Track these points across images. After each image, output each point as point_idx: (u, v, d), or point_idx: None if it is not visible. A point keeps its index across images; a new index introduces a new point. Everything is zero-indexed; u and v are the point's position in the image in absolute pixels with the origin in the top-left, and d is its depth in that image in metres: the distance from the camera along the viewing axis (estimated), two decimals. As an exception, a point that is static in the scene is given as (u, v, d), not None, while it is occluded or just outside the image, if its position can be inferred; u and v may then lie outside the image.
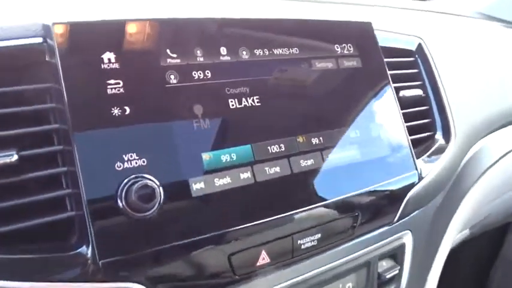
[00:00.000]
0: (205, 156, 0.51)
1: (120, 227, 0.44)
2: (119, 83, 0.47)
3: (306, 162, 0.57)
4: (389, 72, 0.70)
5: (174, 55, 0.52)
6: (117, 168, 0.45)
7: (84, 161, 0.44)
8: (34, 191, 0.44)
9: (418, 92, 0.77)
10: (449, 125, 0.79)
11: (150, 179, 0.46)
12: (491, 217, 1.19)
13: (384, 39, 0.74)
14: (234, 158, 0.52)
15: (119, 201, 0.44)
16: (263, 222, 0.53)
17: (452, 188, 0.83)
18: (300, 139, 0.58)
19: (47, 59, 0.46)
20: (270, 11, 0.71)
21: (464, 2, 1.19)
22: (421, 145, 0.75)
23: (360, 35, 0.69)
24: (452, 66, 0.86)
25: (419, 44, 0.81)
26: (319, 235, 0.58)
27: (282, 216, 0.54)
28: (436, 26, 0.96)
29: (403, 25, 0.83)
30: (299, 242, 0.57)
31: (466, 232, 1.17)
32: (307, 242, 0.57)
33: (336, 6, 0.83)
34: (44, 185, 0.45)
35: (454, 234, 0.90)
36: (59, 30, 0.46)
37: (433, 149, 0.76)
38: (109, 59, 0.47)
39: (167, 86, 0.51)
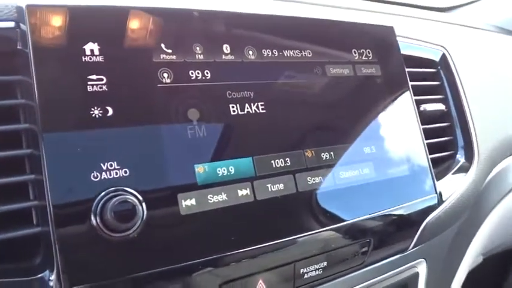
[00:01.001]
0: (199, 168, 0.44)
1: (93, 248, 0.37)
2: (101, 79, 0.41)
3: (314, 180, 0.51)
4: (410, 83, 0.63)
5: (169, 50, 0.45)
6: (93, 179, 0.38)
7: (53, 168, 0.37)
8: (-5, 201, 0.38)
9: (440, 106, 0.70)
10: (472, 143, 0.72)
11: (131, 193, 0.39)
12: (508, 242, 1.11)
13: (405, 47, 0.68)
14: (232, 171, 0.46)
15: (92, 217, 0.38)
16: (262, 247, 0.46)
17: (471, 212, 0.76)
18: (308, 153, 0.51)
19: (18, 47, 0.40)
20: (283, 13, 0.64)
21: (480, 14, 1.13)
22: (441, 165, 0.69)
23: (380, 39, 0.62)
24: (475, 80, 0.79)
25: (443, 55, 0.75)
26: (325, 263, 0.51)
27: (284, 241, 0.47)
28: (459, 37, 0.89)
29: (425, 34, 0.76)
30: (302, 270, 0.50)
31: (480, 258, 1.10)
32: (310, 270, 0.50)
33: (355, 13, 0.76)
34: (6, 195, 0.38)
35: (470, 261, 0.83)
36: (33, 13, 0.39)
37: (454, 169, 0.69)
38: (92, 51, 0.41)
39: (159, 85, 0.44)
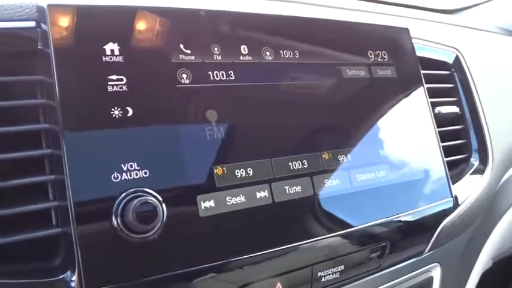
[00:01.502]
0: (218, 170, 0.44)
1: (113, 250, 0.37)
2: (121, 80, 0.40)
3: (331, 183, 0.50)
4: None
5: (188, 51, 0.45)
6: (113, 180, 0.38)
7: (75, 169, 0.37)
8: (15, 202, 0.37)
9: (454, 109, 0.70)
10: (487, 146, 0.72)
11: (151, 195, 0.39)
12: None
13: (419, 48, 0.67)
14: (251, 173, 0.45)
15: (113, 219, 0.37)
16: (279, 249, 0.45)
17: (485, 215, 0.75)
18: (325, 156, 0.51)
19: (39, 47, 0.39)
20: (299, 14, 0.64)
21: (486, 16, 1.12)
22: (455, 168, 0.68)
23: (395, 41, 0.62)
24: (488, 82, 0.79)
25: (457, 57, 0.74)
26: (342, 266, 0.51)
27: (302, 244, 0.47)
28: (471, 40, 0.89)
29: (437, 36, 0.75)
30: (319, 273, 0.49)
31: (490, 262, 1.09)
32: (328, 274, 0.50)
33: (369, 15, 0.76)
34: (27, 195, 0.38)
35: (483, 265, 0.82)
36: (54, 13, 0.39)
37: (469, 173, 0.68)
38: (112, 51, 0.41)
39: (178, 86, 0.44)
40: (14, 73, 0.39)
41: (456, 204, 0.62)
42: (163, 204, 0.39)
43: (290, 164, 0.48)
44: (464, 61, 0.75)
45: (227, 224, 0.43)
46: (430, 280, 0.66)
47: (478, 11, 1.13)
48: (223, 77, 0.47)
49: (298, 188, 0.48)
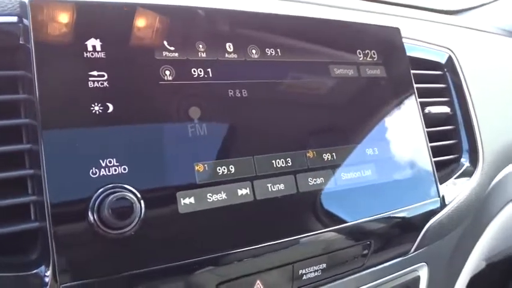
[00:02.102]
0: (199, 166, 0.44)
1: (89, 245, 0.37)
2: (102, 76, 0.41)
3: (315, 181, 0.50)
4: (415, 85, 0.62)
5: (172, 48, 0.45)
6: (91, 175, 0.38)
7: (52, 164, 0.37)
8: (-6, 195, 0.38)
9: (445, 109, 0.70)
10: (477, 147, 0.72)
11: (129, 190, 0.39)
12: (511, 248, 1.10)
13: (411, 48, 0.67)
14: (232, 170, 0.45)
15: (89, 214, 0.37)
16: (260, 247, 0.46)
17: (475, 217, 0.75)
18: (310, 154, 0.51)
19: (21, 42, 0.40)
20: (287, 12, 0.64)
21: (489, 17, 1.12)
22: (444, 169, 0.68)
23: (385, 41, 0.62)
24: (481, 83, 0.78)
25: (450, 57, 0.74)
26: (324, 264, 0.51)
27: (283, 242, 0.47)
28: (466, 41, 0.88)
29: (431, 36, 0.75)
30: (300, 271, 0.49)
31: (483, 263, 1.09)
32: (310, 271, 0.50)
33: (361, 14, 0.76)
34: (7, 189, 0.38)
35: (473, 267, 0.82)
36: (36, 8, 0.39)
37: (458, 173, 0.68)
38: (93, 47, 0.41)
39: (161, 82, 0.44)
40: (-4, 68, 0.39)
41: (443, 204, 0.62)
42: (142, 201, 0.39)
43: (273, 161, 0.48)
44: (458, 61, 0.74)
45: (207, 220, 0.43)
46: (417, 280, 0.66)
47: (481, 11, 1.12)
48: (207, 74, 0.47)
49: (281, 186, 0.48)
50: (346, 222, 0.52)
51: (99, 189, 0.38)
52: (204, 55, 0.47)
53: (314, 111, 0.53)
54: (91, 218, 0.37)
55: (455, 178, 0.67)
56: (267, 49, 0.51)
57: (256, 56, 0.50)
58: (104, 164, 0.39)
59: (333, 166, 0.52)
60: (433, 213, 0.60)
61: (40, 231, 0.38)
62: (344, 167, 0.53)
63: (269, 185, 0.47)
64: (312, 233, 0.49)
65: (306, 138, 0.51)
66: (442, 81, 0.72)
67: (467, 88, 0.74)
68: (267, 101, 0.50)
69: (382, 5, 0.86)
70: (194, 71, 0.46)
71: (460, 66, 0.74)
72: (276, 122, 0.50)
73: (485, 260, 1.06)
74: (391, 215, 0.56)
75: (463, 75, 0.74)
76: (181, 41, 0.46)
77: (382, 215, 0.55)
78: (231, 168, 0.45)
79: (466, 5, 1.14)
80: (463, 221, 0.68)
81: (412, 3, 1.00)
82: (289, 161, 0.49)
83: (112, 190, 0.38)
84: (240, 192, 0.45)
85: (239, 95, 0.48)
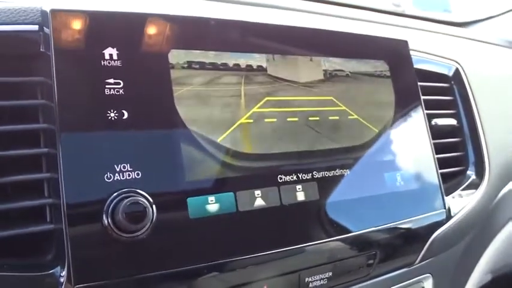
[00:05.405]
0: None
1: (103, 247, 0.38)
2: (119, 83, 0.42)
3: (322, 190, 0.51)
4: (422, 97, 0.63)
5: (185, 57, 0.46)
6: (106, 180, 0.39)
7: (69, 167, 0.38)
8: (11, 197, 0.39)
9: (452, 121, 0.70)
10: (484, 160, 0.72)
11: (142, 195, 0.40)
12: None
13: (418, 61, 0.68)
14: (242, 178, 0.46)
15: (104, 217, 0.38)
16: (268, 254, 0.46)
17: (481, 229, 0.76)
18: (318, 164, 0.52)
19: (41, 49, 0.41)
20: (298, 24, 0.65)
21: (497, 30, 1.12)
22: (450, 180, 0.68)
23: (393, 53, 0.63)
24: (488, 95, 0.79)
25: (457, 69, 0.75)
26: (330, 273, 0.52)
27: (290, 249, 0.48)
28: (474, 53, 0.89)
29: (439, 48, 0.76)
30: (307, 279, 0.50)
31: (489, 276, 1.08)
32: (316, 280, 0.51)
33: (370, 25, 0.77)
34: (23, 192, 0.40)
35: (478, 279, 0.82)
36: (57, 18, 0.40)
37: (464, 185, 0.68)
38: (110, 55, 0.42)
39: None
40: (17, 74, 0.41)
41: (449, 216, 0.62)
42: (154, 205, 0.40)
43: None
44: (465, 74, 0.75)
45: (216, 226, 0.44)
46: (422, 291, 0.67)
47: (489, 24, 1.13)
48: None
49: (289, 195, 0.49)
50: (351, 231, 0.52)
51: (113, 193, 0.39)
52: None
53: (321, 122, 0.54)
54: (105, 221, 0.38)
55: (461, 190, 0.68)
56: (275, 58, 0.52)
57: (265, 65, 0.51)
58: (118, 169, 0.40)
59: (340, 176, 0.53)
60: (438, 224, 0.61)
61: (55, 233, 0.39)
62: (351, 177, 0.54)
63: (279, 194, 0.48)
64: (318, 242, 0.50)
65: (313, 150, 0.52)
66: (449, 93, 0.73)
67: (474, 100, 0.74)
68: (279, 114, 0.51)
69: (391, 16, 0.88)
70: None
71: (467, 78, 0.75)
72: (286, 135, 0.51)
73: (491, 272, 1.06)
74: (397, 226, 0.56)
75: (470, 87, 0.75)
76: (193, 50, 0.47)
77: (387, 225, 0.55)
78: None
79: (474, 17, 1.15)
80: (469, 232, 0.69)
81: (420, 15, 1.01)
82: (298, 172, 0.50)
83: (126, 194, 0.39)
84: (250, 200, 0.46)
85: (248, 104, 0.49)
